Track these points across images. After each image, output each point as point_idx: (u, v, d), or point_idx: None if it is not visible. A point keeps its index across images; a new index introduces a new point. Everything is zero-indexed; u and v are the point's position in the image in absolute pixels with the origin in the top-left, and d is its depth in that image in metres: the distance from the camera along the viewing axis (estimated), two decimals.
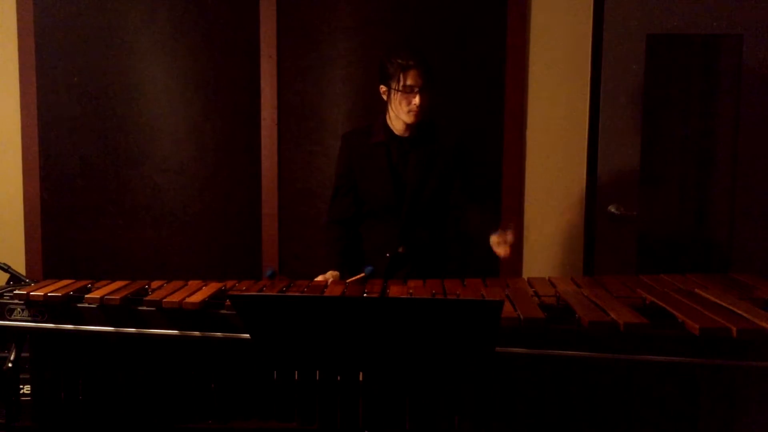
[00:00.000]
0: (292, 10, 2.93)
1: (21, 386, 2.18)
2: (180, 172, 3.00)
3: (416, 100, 2.17)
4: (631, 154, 2.89)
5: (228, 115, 2.98)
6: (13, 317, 1.92)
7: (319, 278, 2.17)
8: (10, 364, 2.04)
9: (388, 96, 2.23)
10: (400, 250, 2.30)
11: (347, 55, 2.94)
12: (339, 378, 1.80)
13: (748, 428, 1.63)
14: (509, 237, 2.11)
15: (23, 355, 2.02)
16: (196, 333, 1.84)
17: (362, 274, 2.09)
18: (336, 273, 2.22)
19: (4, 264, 2.19)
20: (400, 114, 2.22)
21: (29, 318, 1.91)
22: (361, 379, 1.78)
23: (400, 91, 2.18)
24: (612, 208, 2.90)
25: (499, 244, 2.12)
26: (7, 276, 2.17)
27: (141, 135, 2.99)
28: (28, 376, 2.02)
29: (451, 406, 1.75)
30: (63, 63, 2.97)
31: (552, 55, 2.90)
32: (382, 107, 2.31)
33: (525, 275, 2.86)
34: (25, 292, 1.90)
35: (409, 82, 2.16)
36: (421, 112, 2.20)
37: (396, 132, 2.29)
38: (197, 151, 3.00)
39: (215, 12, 2.94)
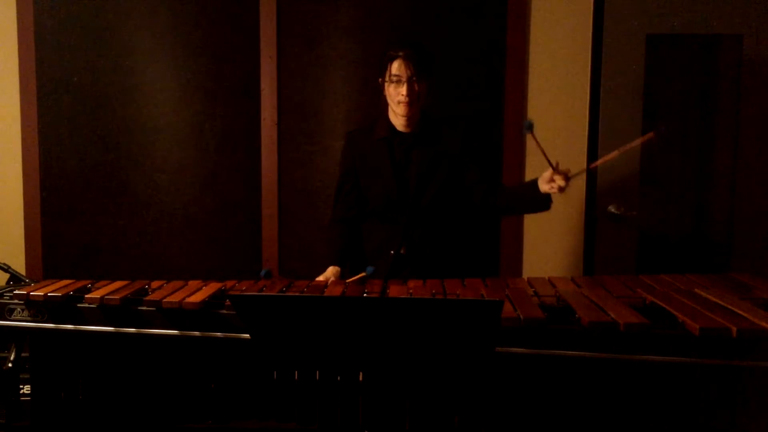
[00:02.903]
0: (292, 10, 2.93)
1: (21, 386, 2.18)
2: (180, 172, 3.00)
3: (403, 90, 2.15)
4: (631, 154, 2.89)
5: (228, 115, 2.98)
6: (13, 317, 1.92)
7: (320, 278, 2.17)
8: (10, 364, 2.04)
9: (384, 88, 2.23)
10: (402, 251, 2.29)
11: (347, 55, 2.94)
12: (339, 378, 1.80)
13: (748, 428, 1.63)
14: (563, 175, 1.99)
15: (23, 355, 2.02)
16: (196, 333, 1.84)
17: (363, 274, 2.09)
18: (337, 269, 2.21)
19: (4, 264, 2.19)
20: (392, 106, 2.22)
21: (29, 318, 1.91)
22: (361, 379, 1.78)
23: (387, 81, 2.19)
24: (612, 208, 2.90)
25: (553, 179, 2.00)
26: (7, 276, 2.17)
27: (141, 135, 2.99)
28: (28, 376, 2.02)
29: (451, 406, 1.75)
30: (63, 63, 2.97)
31: (552, 55, 2.90)
32: (385, 104, 2.30)
33: (525, 275, 2.86)
34: (25, 292, 1.90)
35: (395, 71, 2.16)
36: (412, 103, 2.17)
37: (398, 128, 2.27)
38: (197, 151, 3.00)
39: (215, 12, 2.94)
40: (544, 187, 2.07)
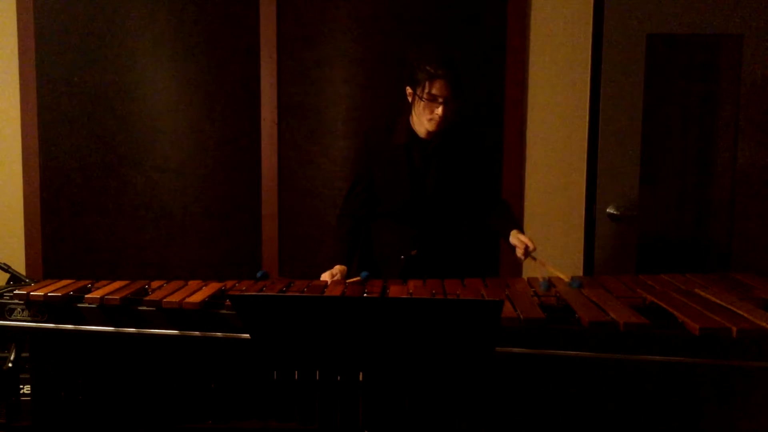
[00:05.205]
0: (292, 10, 2.93)
1: (21, 386, 2.19)
2: (180, 172, 3.01)
3: (439, 110, 2.11)
4: (631, 154, 2.89)
5: (228, 115, 2.98)
6: (13, 317, 1.92)
7: (326, 274, 2.15)
8: (10, 364, 2.04)
9: (413, 99, 2.18)
10: (413, 252, 2.29)
11: (347, 55, 2.94)
12: (339, 378, 1.80)
13: (748, 428, 1.63)
14: (530, 244, 2.13)
15: (23, 355, 2.02)
16: (196, 333, 1.84)
17: (357, 278, 2.09)
18: (343, 268, 2.20)
19: (4, 264, 2.19)
20: (422, 120, 2.17)
21: (29, 318, 1.91)
22: (361, 379, 1.78)
23: (424, 99, 2.12)
24: (612, 208, 2.90)
25: (520, 247, 2.14)
26: (7, 276, 2.17)
27: (141, 135, 2.99)
28: (28, 376, 2.02)
29: (451, 406, 1.75)
30: (63, 63, 2.97)
31: (552, 55, 2.90)
32: (408, 108, 2.26)
33: (525, 275, 2.86)
34: (25, 292, 1.90)
35: (434, 91, 2.10)
36: (444, 122, 2.15)
37: (419, 134, 2.24)
38: (197, 151, 3.00)
39: (215, 12, 2.94)
40: (512, 240, 2.19)
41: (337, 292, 1.97)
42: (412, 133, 2.25)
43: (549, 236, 2.94)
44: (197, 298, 1.86)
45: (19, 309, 1.91)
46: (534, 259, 2.15)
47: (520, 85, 2.91)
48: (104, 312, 1.88)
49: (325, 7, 2.92)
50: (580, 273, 2.94)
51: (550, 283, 2.01)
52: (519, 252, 2.15)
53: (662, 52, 2.90)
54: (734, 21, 2.84)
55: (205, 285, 2.01)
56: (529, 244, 2.12)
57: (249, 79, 2.96)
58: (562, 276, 2.08)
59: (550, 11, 2.88)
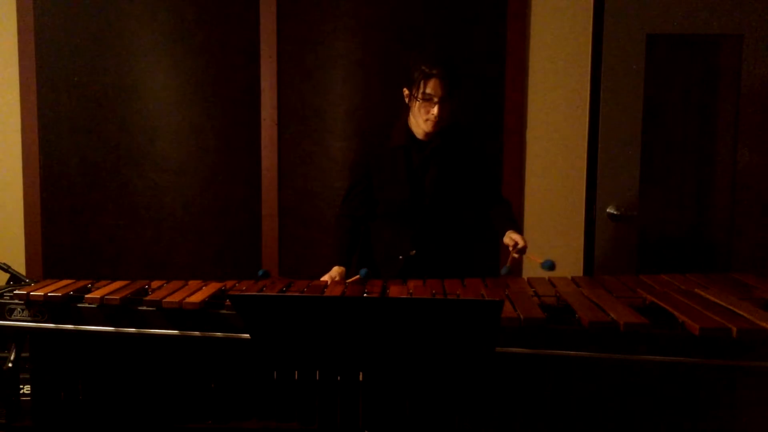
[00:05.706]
0: (292, 10, 2.93)
1: (21, 386, 2.18)
2: (180, 172, 3.00)
3: (434, 110, 2.12)
4: (631, 154, 2.89)
5: (228, 115, 2.98)
6: (13, 317, 1.92)
7: (325, 277, 2.16)
8: (10, 364, 2.04)
9: (410, 100, 2.19)
10: (412, 252, 2.29)
11: (347, 55, 2.94)
12: (339, 378, 1.80)
13: (748, 428, 1.63)
14: (521, 242, 2.14)
15: (23, 355, 2.02)
16: (196, 333, 1.84)
17: (357, 277, 2.09)
18: (342, 269, 2.20)
19: (4, 264, 2.19)
20: (419, 121, 2.18)
21: (29, 318, 1.91)
22: (361, 379, 1.78)
23: (419, 99, 2.13)
24: (612, 208, 2.90)
25: (511, 245, 2.16)
26: (7, 276, 2.17)
27: (141, 135, 2.99)
28: (28, 376, 2.02)
29: (451, 406, 1.75)
30: (63, 63, 2.97)
31: (552, 55, 2.90)
32: (405, 110, 2.27)
33: (525, 275, 2.86)
34: (25, 292, 1.90)
35: (428, 90, 2.11)
36: (440, 122, 2.15)
37: (418, 136, 2.25)
38: (197, 151, 3.00)
39: (215, 12, 2.94)
40: (506, 240, 2.20)
41: (337, 292, 1.97)
42: (411, 134, 2.25)
43: (549, 236, 2.94)
44: (197, 298, 1.86)
45: (19, 309, 1.92)
46: (523, 254, 2.17)
47: (520, 85, 2.91)
48: (104, 312, 1.88)
49: (326, 7, 2.92)
50: (580, 273, 2.94)
51: (510, 269, 2.10)
52: (512, 251, 2.16)
53: (662, 52, 2.90)
54: (734, 21, 2.84)
55: (205, 285, 2.01)
56: (520, 241, 2.14)
57: (249, 79, 2.96)
58: (536, 259, 2.13)
59: (550, 11, 2.88)
